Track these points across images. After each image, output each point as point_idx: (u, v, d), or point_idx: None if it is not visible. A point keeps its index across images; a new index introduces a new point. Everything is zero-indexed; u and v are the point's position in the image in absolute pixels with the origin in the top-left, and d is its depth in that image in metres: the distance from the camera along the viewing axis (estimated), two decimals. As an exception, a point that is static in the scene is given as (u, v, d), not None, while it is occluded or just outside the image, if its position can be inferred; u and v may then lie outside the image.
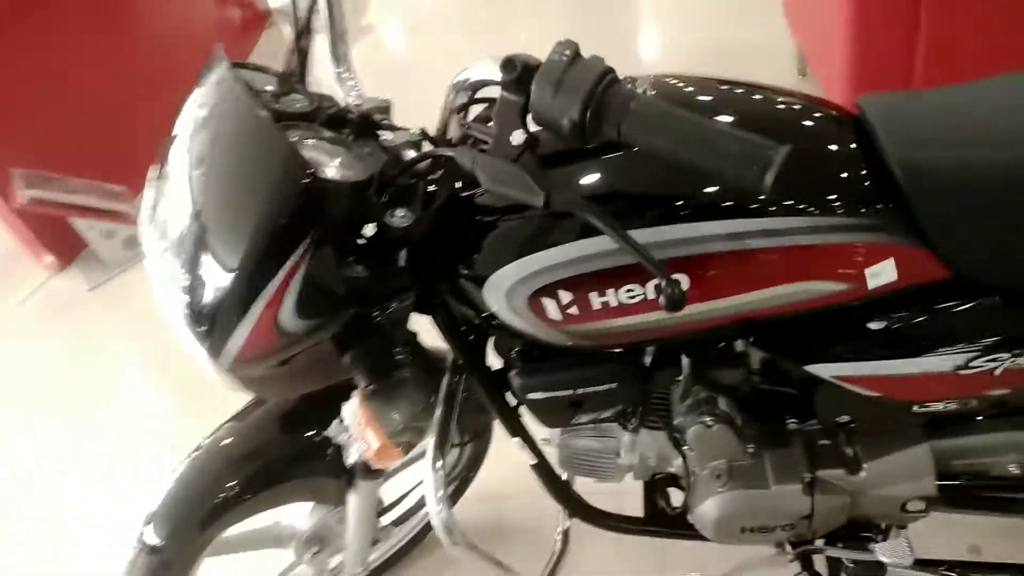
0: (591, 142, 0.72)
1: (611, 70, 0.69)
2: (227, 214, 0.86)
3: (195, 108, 0.92)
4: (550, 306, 0.91)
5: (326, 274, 0.87)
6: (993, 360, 0.88)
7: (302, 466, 1.26)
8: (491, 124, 0.78)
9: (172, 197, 0.90)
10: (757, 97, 0.93)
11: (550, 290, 0.89)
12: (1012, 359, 0.88)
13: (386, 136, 0.97)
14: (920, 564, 1.15)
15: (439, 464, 1.09)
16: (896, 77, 2.04)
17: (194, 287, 0.87)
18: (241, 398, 1.15)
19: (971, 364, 0.89)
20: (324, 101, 0.99)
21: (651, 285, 0.87)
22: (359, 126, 0.96)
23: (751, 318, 0.90)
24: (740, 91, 0.94)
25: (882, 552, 1.11)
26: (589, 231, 0.86)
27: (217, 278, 0.85)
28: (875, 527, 1.16)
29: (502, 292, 0.91)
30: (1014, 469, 1.08)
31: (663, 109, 0.68)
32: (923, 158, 0.84)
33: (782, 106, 0.92)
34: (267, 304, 0.85)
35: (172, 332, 0.92)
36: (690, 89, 0.91)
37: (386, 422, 1.00)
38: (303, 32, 1.05)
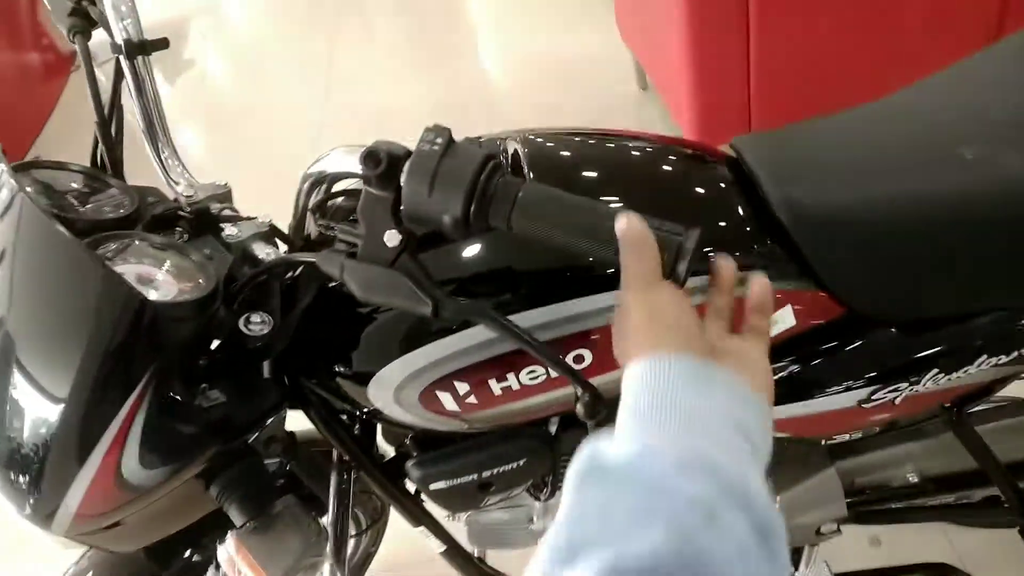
0: (475, 235, 0.64)
1: (493, 156, 0.62)
2: (46, 357, 0.71)
3: None
4: (446, 399, 0.83)
5: (175, 409, 0.74)
6: (894, 391, 0.88)
7: None
8: (356, 222, 0.68)
9: None
10: (634, 153, 0.88)
11: (444, 383, 0.81)
12: (910, 388, 0.88)
13: (230, 231, 0.84)
14: None
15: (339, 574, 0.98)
16: (735, 83, 2.09)
17: (11, 442, 0.72)
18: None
19: (873, 397, 0.89)
20: (148, 196, 0.85)
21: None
22: (195, 222, 0.84)
23: None
24: (613, 146, 0.89)
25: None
26: (472, 321, 0.78)
27: (40, 431, 0.71)
28: (793, 552, 1.16)
29: (389, 391, 0.82)
30: (912, 478, 1.10)
31: (552, 195, 0.62)
32: (804, 196, 0.83)
33: (661, 158, 0.88)
34: (104, 455, 0.71)
35: None
36: (565, 152, 0.85)
37: (273, 564, 0.86)
38: (112, 110, 0.90)
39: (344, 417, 0.96)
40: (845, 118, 0.93)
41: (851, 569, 1.20)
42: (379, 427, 1.03)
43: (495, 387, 0.81)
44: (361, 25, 3.99)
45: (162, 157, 0.89)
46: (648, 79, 2.78)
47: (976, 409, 1.10)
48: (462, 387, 0.81)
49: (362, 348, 0.82)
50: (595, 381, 0.82)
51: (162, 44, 0.87)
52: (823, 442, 0.97)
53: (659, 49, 2.30)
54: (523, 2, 3.79)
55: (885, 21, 1.94)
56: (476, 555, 1.18)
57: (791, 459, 1.06)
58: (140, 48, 0.84)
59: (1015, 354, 0.88)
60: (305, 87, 3.33)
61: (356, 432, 0.98)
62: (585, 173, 0.84)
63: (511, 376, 0.81)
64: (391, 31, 3.94)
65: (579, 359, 0.81)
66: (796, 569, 1.13)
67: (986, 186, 0.81)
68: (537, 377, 0.81)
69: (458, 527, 1.14)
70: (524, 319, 0.77)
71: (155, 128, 0.89)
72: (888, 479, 1.11)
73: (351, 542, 1.37)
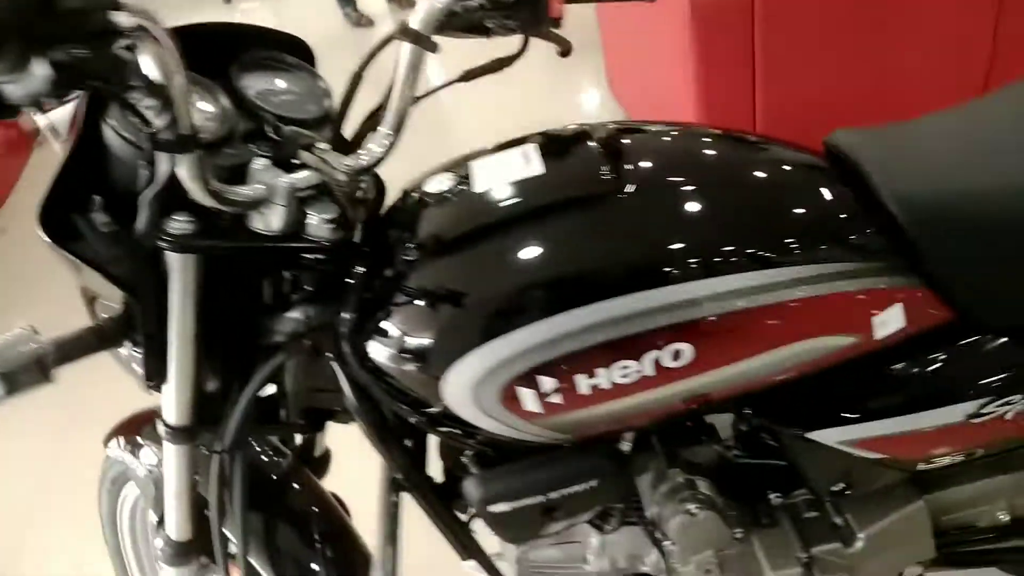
0: None
1: None
2: None
3: None
4: (527, 397, 0.75)
5: None
6: (1006, 404, 0.81)
7: None
8: None
9: None
10: (731, 151, 0.84)
11: (527, 377, 0.73)
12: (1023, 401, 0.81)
13: None
14: None
15: None
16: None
17: None
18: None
19: (983, 411, 0.82)
20: None
21: (648, 359, 0.73)
22: None
23: (757, 386, 0.78)
24: (713, 139, 0.85)
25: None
26: (568, 303, 0.72)
27: None
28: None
29: (468, 386, 0.74)
30: (1003, 516, 1.01)
31: None
32: (915, 188, 0.78)
33: (765, 152, 0.83)
34: None
35: None
36: (665, 148, 0.82)
37: None
38: None
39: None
40: (937, 118, 0.89)
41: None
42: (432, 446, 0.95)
43: (582, 384, 0.74)
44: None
45: None
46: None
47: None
48: (547, 383, 0.73)
49: (441, 334, 0.74)
50: (693, 382, 0.76)
51: None
52: (916, 468, 0.89)
53: (653, 102, 2.31)
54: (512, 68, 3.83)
55: (886, 62, 1.94)
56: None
57: (878, 489, 0.98)
58: None
59: None
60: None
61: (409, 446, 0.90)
62: (689, 171, 0.79)
63: (601, 372, 0.74)
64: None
65: (677, 355, 0.73)
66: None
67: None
68: (629, 374, 0.74)
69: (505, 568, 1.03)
70: (614, 307, 0.71)
71: None
72: (978, 518, 1.02)
73: None
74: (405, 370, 0.77)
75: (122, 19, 0.56)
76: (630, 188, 0.75)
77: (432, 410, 0.79)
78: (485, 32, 0.88)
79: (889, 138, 0.87)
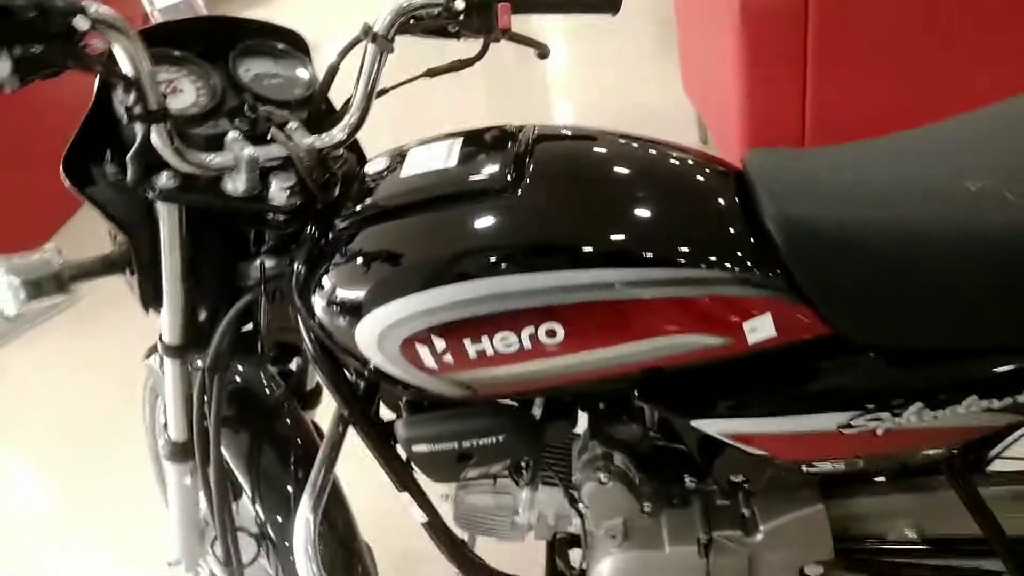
0: None
1: None
2: None
3: None
4: (424, 353, 0.88)
5: None
6: (875, 420, 0.87)
7: None
8: None
9: None
10: (650, 151, 0.92)
11: (424, 336, 0.86)
12: (893, 419, 0.86)
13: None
14: None
15: (309, 517, 1.04)
16: (788, 142, 2.08)
17: None
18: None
19: (852, 423, 0.87)
20: None
21: (526, 334, 0.85)
22: None
23: (632, 371, 0.88)
24: (634, 145, 0.94)
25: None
26: (464, 275, 0.84)
27: None
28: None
29: (374, 335, 0.88)
30: (910, 533, 1.06)
31: None
32: (799, 214, 0.84)
33: (668, 160, 0.91)
34: None
35: None
36: (585, 141, 0.92)
37: None
38: None
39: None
40: (862, 146, 0.93)
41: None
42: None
43: (470, 348, 0.86)
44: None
45: None
46: (708, 133, 2.83)
47: (991, 471, 1.05)
48: (439, 343, 0.86)
49: (357, 291, 0.88)
50: (570, 359, 0.87)
51: None
52: (803, 468, 0.95)
53: (717, 102, 2.32)
54: (595, 60, 3.91)
55: (941, 75, 1.88)
56: (461, 539, 1.20)
57: (780, 490, 1.04)
58: None
59: (1008, 400, 0.84)
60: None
61: (360, 391, 1.05)
62: (585, 173, 0.89)
63: (485, 340, 0.85)
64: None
65: (551, 333, 0.84)
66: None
67: (988, 221, 0.80)
68: (511, 345, 0.85)
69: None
70: (498, 284, 0.82)
71: None
72: (883, 530, 1.06)
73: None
74: (331, 319, 0.92)
75: (81, 23, 0.72)
76: (524, 184, 0.86)
77: (357, 356, 0.93)
78: (455, 35, 1.01)
79: (799, 160, 0.92)
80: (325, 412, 1.28)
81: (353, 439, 1.07)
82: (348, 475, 1.21)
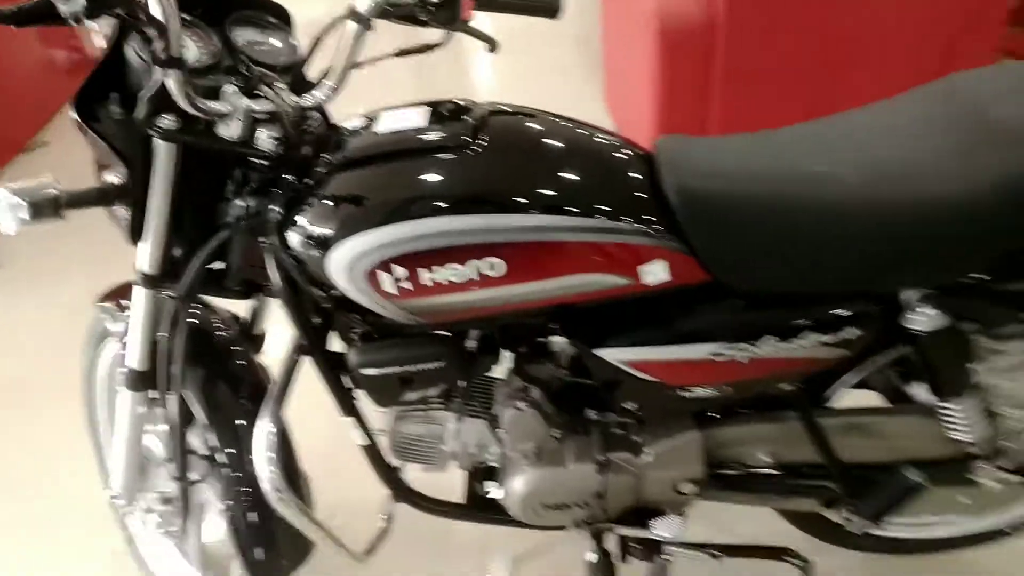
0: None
1: None
2: None
3: None
4: (386, 280, 1.05)
5: None
6: (738, 350, 1.10)
7: None
8: None
9: None
10: (581, 131, 1.14)
11: (386, 265, 1.04)
12: (752, 349, 1.10)
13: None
14: (689, 546, 1.35)
15: (271, 429, 1.19)
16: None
17: None
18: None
19: (723, 352, 1.11)
20: None
21: (471, 266, 1.04)
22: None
23: (553, 304, 1.08)
24: (569, 124, 1.15)
25: (657, 528, 1.29)
26: (422, 213, 1.03)
27: None
28: (659, 513, 1.35)
29: (343, 263, 1.05)
30: (765, 458, 1.30)
31: None
32: (693, 186, 1.07)
33: (594, 138, 1.13)
34: None
35: None
36: (530, 117, 1.14)
37: None
38: None
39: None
40: (752, 137, 1.18)
41: (698, 541, 1.38)
42: (335, 331, 1.25)
43: (424, 277, 1.05)
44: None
45: None
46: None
47: (829, 407, 1.31)
48: (399, 271, 1.04)
49: (329, 226, 1.06)
50: (506, 291, 1.06)
51: None
52: (680, 394, 1.18)
53: (634, 113, 2.61)
54: (520, 72, 4.18)
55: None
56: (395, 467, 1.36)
57: (664, 420, 1.27)
58: None
59: (840, 336, 1.10)
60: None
61: (316, 324, 1.21)
62: (525, 141, 1.10)
63: (437, 269, 1.04)
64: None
65: (491, 267, 1.04)
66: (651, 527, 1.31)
67: (829, 198, 1.05)
68: (458, 275, 1.04)
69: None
70: (448, 223, 1.02)
71: None
72: (745, 456, 1.30)
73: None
74: (306, 250, 1.08)
75: None
76: (477, 143, 1.06)
77: (326, 283, 1.09)
78: (422, 23, 1.20)
79: (699, 145, 1.16)
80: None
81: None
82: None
